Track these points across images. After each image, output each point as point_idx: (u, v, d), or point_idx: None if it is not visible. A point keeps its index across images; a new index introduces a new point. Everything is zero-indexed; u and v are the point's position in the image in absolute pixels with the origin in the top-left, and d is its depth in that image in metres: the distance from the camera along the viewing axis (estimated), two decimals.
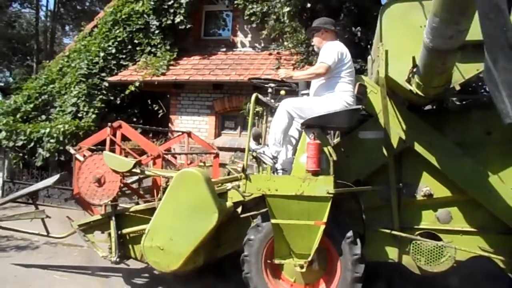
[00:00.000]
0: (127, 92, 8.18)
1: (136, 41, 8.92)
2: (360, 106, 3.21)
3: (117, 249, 3.75)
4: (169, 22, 8.58)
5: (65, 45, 23.70)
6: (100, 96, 8.49)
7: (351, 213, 3.55)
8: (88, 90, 8.45)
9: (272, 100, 3.50)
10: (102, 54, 8.79)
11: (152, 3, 8.57)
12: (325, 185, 3.09)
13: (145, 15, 8.81)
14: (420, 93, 2.96)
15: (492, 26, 1.76)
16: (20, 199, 4.91)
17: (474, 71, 3.04)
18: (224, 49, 9.00)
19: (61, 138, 7.78)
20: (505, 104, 1.79)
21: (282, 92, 3.67)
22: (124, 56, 8.96)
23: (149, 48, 8.82)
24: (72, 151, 4.14)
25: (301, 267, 3.30)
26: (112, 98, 8.61)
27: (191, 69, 8.30)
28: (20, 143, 8.12)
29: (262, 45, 8.73)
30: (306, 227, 3.17)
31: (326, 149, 3.19)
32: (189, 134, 5.48)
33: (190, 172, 3.44)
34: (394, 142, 3.46)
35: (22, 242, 4.70)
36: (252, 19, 8.22)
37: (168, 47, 8.71)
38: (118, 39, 8.91)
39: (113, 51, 8.90)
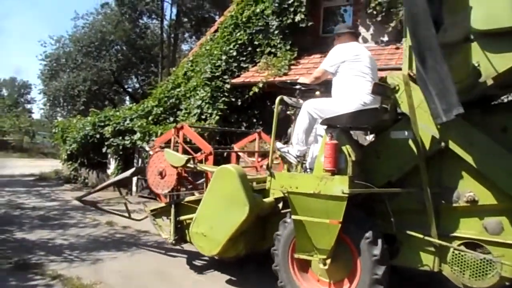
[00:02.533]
0: (251, 93, 8.36)
1: (256, 42, 9.20)
2: (377, 106, 3.12)
3: (174, 233, 4.36)
4: (289, 21, 8.66)
5: (184, 51, 26.21)
6: (223, 98, 8.87)
7: (383, 215, 3.44)
8: (212, 93, 8.89)
9: (301, 101, 3.63)
10: (224, 57, 9.19)
11: (274, 3, 8.71)
12: (340, 185, 3.11)
13: (264, 16, 9.04)
14: None
15: (418, 26, 1.68)
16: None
17: (510, 63, 2.68)
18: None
19: (187, 139, 8.50)
20: (435, 104, 1.67)
21: (317, 93, 3.77)
22: (244, 58, 9.31)
23: (268, 49, 9.03)
24: (147, 148, 4.94)
25: (324, 264, 3.38)
26: (233, 99, 8.95)
27: (313, 68, 7.99)
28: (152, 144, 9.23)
29: (387, 38, 8.34)
30: (324, 225, 3.23)
31: (345, 149, 3.20)
32: (259, 133, 5.88)
33: (226, 168, 3.81)
34: (426, 142, 3.24)
35: (159, 237, 4.86)
36: (375, 12, 7.93)
37: (288, 47, 8.79)
38: (239, 41, 9.24)
39: (234, 53, 9.23)
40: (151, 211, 4.72)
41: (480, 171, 3.10)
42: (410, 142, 3.30)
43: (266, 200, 4.02)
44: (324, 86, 3.72)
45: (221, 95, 8.92)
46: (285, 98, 3.51)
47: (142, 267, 4.46)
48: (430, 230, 3.30)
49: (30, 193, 9.56)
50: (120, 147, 9.55)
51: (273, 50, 8.95)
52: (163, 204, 4.62)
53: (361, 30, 8.65)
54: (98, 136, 10.33)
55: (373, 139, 3.85)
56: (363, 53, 3.29)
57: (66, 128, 11.97)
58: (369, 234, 3.16)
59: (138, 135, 9.10)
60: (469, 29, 2.37)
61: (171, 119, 9.58)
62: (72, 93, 22.85)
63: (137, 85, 27.25)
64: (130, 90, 27.05)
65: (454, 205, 3.27)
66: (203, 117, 8.90)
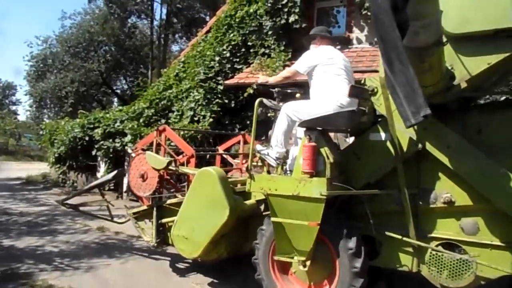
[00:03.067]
0: (245, 94, 8.20)
1: (249, 43, 9.08)
2: (354, 108, 3.14)
3: (156, 236, 4.34)
4: (283, 21, 8.58)
5: (174, 52, 25.92)
6: (217, 100, 8.76)
7: (363, 217, 3.46)
8: (205, 95, 8.77)
9: (281, 104, 3.64)
10: (217, 58, 9.05)
11: (267, 3, 8.62)
12: (319, 187, 3.12)
13: (258, 17, 8.94)
14: None
15: (384, 28, 1.69)
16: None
17: (483, 65, 2.71)
18: (339, 47, 8.50)
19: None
20: (403, 107, 1.69)
21: (297, 95, 3.78)
22: (238, 59, 9.18)
23: (262, 49, 8.91)
24: (129, 150, 4.90)
25: (304, 265, 3.39)
26: (226, 101, 8.83)
27: None
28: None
29: None
30: (303, 227, 3.24)
31: (323, 151, 3.21)
32: (243, 135, 5.87)
33: (206, 171, 3.80)
34: (404, 144, 3.26)
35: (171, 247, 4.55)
36: (369, 13, 7.78)
37: (282, 48, 8.65)
38: (232, 42, 9.10)
39: (228, 54, 9.09)
40: (133, 214, 4.69)
41: (456, 173, 3.13)
42: (388, 144, 3.32)
43: (247, 202, 4.03)
44: (303, 89, 3.73)
45: (215, 96, 8.82)
46: (265, 100, 3.52)
47: (137, 275, 4.36)
48: (408, 231, 3.32)
49: (17, 198, 9.36)
50: (111, 149, 9.40)
51: (267, 51, 8.83)
52: (145, 207, 4.59)
53: (355, 31, 8.67)
54: (87, 138, 10.16)
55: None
56: (336, 56, 3.33)
57: (54, 130, 11.79)
58: (347, 236, 3.18)
59: (129, 137, 8.96)
60: (441, 32, 2.39)
61: (163, 121, 9.40)
62: (59, 95, 22.53)
63: (125, 87, 27.00)
64: (118, 91, 26.75)
65: (432, 206, 3.30)
66: (196, 119, 8.77)
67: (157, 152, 4.62)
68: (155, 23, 24.21)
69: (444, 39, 2.54)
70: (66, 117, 13.68)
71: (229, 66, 9.13)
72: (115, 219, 5.14)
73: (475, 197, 3.12)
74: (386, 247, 3.47)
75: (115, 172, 5.11)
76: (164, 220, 4.39)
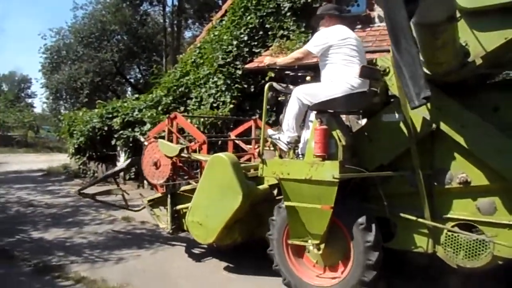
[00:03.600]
0: (266, 78, 7.70)
1: (267, 25, 8.78)
2: (365, 89, 3.08)
3: (171, 222, 4.40)
4: (302, 2, 8.26)
5: (186, 38, 25.65)
6: (236, 85, 8.53)
7: (377, 199, 3.43)
8: (225, 80, 8.55)
9: (291, 87, 3.59)
10: (235, 42, 8.76)
11: None
12: (331, 170, 3.09)
13: None
14: (427, 71, 2.71)
15: (391, 6, 1.64)
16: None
17: (500, 40, 2.61)
18: (359, 26, 8.38)
19: (201, 129, 7.85)
20: (408, 87, 1.64)
21: (308, 78, 3.73)
22: (256, 43, 8.87)
23: (281, 31, 8.59)
24: (142, 139, 4.94)
25: (318, 249, 3.40)
26: (246, 86, 8.59)
27: None
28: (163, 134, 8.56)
29: None
30: (316, 211, 3.23)
31: (335, 134, 3.18)
32: (255, 120, 5.85)
33: (218, 157, 3.81)
34: (418, 124, 3.21)
35: (182, 233, 4.66)
36: None
37: (302, 29, 8.26)
38: (250, 25, 8.78)
39: (245, 38, 8.78)
40: (149, 201, 4.76)
41: (472, 152, 3.07)
42: (401, 125, 3.27)
43: (260, 187, 4.04)
44: (314, 71, 3.67)
45: (234, 82, 8.62)
46: (275, 84, 3.48)
47: (167, 266, 4.26)
48: (423, 213, 3.29)
49: (40, 190, 9.35)
50: (130, 139, 9.29)
51: (285, 33, 8.42)
52: (159, 194, 4.64)
53: (377, 9, 8.32)
54: (106, 128, 10.08)
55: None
56: (349, 36, 3.23)
57: (73, 121, 11.67)
58: (362, 220, 3.17)
59: (148, 126, 8.79)
60: (455, 7, 2.30)
61: (182, 108, 9.22)
62: (74, 86, 22.58)
63: (139, 76, 26.91)
64: (132, 80, 26.74)
65: (447, 187, 3.25)
66: (215, 105, 8.61)
67: (169, 139, 4.65)
68: (167, 9, 23.94)
69: (458, 15, 2.45)
70: (83, 107, 13.53)
71: (247, 50, 8.86)
72: (130, 208, 5.21)
73: (491, 176, 3.06)
74: (401, 229, 3.44)
75: (128, 161, 5.18)
76: (178, 207, 4.44)
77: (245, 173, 3.96)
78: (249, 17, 8.87)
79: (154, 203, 4.73)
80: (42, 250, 4.71)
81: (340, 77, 3.16)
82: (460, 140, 3.08)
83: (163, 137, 4.71)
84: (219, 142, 6.57)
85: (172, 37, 23.25)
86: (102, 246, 4.93)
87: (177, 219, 4.47)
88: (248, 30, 8.80)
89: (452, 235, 3.22)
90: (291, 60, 3.51)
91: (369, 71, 3.11)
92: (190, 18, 25.74)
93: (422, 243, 3.37)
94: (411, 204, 3.38)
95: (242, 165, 4.14)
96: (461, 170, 3.18)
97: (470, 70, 2.76)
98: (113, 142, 9.85)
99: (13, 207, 7.28)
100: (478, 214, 3.17)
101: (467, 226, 3.20)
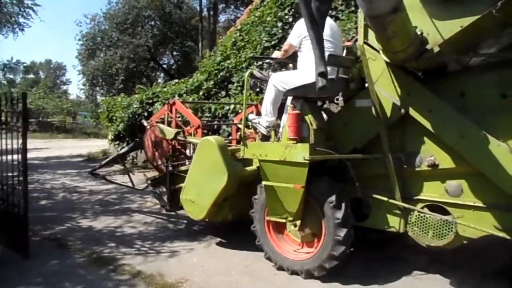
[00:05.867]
0: None
1: None
2: (333, 77, 3.24)
3: (169, 200, 4.76)
4: None
5: (222, 22, 25.19)
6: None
7: (352, 181, 3.61)
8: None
9: (271, 73, 3.80)
10: (279, 24, 8.23)
11: None
12: (302, 152, 3.31)
13: None
14: (386, 59, 2.85)
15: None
16: None
17: (456, 28, 2.71)
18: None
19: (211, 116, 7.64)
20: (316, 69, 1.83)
21: (290, 66, 3.92)
22: None
23: (329, 11, 8.27)
24: (145, 123, 5.31)
25: (294, 225, 3.65)
26: None
27: None
28: (205, 120, 7.54)
29: None
30: (290, 190, 3.48)
31: (307, 118, 3.38)
32: (256, 106, 6.08)
33: (207, 140, 4.09)
34: (388, 109, 3.35)
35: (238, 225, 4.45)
36: None
37: (352, 8, 7.63)
38: (295, 6, 8.16)
39: (290, 19, 8.15)
40: (151, 181, 5.14)
41: (439, 136, 3.19)
42: (372, 110, 3.42)
43: (248, 168, 4.29)
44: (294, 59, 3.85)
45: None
46: (255, 72, 3.71)
47: (224, 261, 4.05)
48: (394, 194, 3.46)
49: (83, 175, 9.15)
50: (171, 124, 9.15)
51: (334, 13, 7.77)
52: (160, 174, 5.01)
53: None
54: (146, 114, 9.73)
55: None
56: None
57: (112, 106, 11.58)
58: (332, 198, 3.37)
59: (189, 111, 8.81)
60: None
61: (223, 93, 8.74)
62: (110, 72, 22.87)
63: (171, 61, 26.89)
64: (165, 66, 26.80)
65: (417, 169, 3.39)
66: (258, 90, 8.03)
67: (169, 124, 4.99)
68: None
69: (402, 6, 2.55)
70: (122, 93, 13.21)
71: None
72: (136, 187, 5.62)
73: (458, 160, 3.17)
74: (375, 209, 3.63)
75: (132, 144, 5.58)
76: (176, 186, 4.78)
77: (234, 155, 4.23)
78: None
79: (156, 183, 5.10)
80: (93, 240, 4.66)
81: (311, 65, 3.33)
82: (427, 124, 3.20)
83: (163, 122, 5.04)
84: (215, 126, 6.76)
85: (208, 21, 22.90)
86: (152, 237, 4.81)
87: (175, 197, 4.82)
88: (293, 10, 8.17)
89: (421, 215, 3.37)
90: (282, 53, 3.75)
91: (336, 59, 3.26)
92: (226, 1, 25.07)
93: (394, 223, 3.54)
94: (384, 186, 3.54)
95: (232, 147, 4.41)
96: (430, 154, 3.31)
97: (430, 57, 2.87)
98: None
99: (58, 193, 7.33)
100: (446, 195, 3.30)
101: (437, 207, 3.35)
